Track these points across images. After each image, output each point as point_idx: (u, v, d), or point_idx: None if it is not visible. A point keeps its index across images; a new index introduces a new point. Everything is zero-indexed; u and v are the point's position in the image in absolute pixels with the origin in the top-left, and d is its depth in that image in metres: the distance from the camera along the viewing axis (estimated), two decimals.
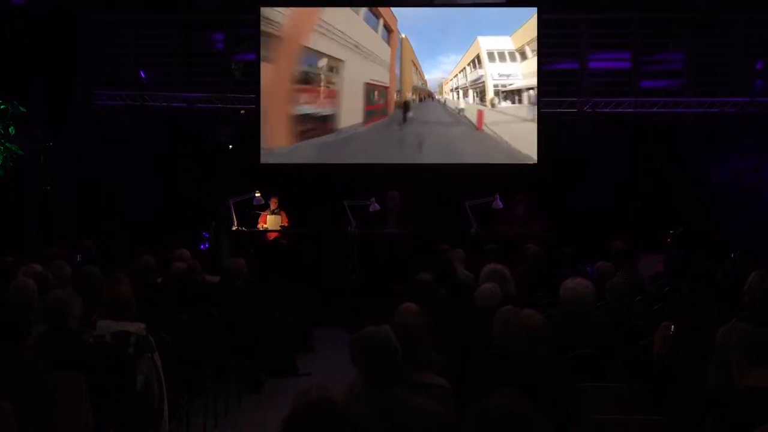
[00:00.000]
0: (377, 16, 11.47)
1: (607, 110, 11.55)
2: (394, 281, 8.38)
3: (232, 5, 11.89)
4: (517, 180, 10.73)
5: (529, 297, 6.27)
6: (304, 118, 11.36)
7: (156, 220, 10.88)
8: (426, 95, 11.52)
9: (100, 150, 11.44)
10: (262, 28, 11.31)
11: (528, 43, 11.37)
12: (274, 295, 7.93)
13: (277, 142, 11.39)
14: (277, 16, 11.37)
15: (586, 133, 11.45)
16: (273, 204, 10.74)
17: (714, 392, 3.44)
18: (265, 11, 11.33)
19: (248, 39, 11.80)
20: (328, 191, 10.79)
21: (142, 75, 11.99)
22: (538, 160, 11.11)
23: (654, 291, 6.99)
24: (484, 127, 11.39)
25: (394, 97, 11.50)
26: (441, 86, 11.53)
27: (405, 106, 11.48)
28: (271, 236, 10.72)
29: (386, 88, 11.48)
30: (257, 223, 10.73)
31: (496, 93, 11.42)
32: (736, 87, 11.61)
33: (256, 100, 11.37)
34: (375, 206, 10.21)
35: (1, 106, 9.76)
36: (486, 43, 11.47)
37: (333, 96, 11.42)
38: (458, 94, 11.56)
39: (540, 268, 7.68)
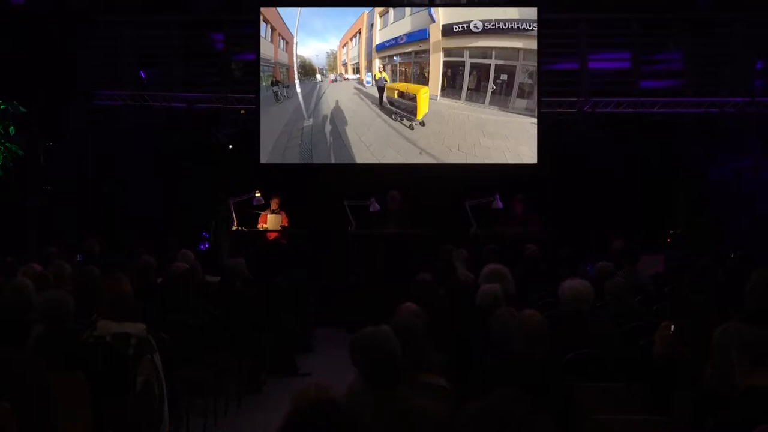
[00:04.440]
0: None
1: (607, 110, 11.56)
2: (394, 281, 8.37)
3: (232, 5, 11.90)
4: (517, 180, 10.72)
5: (529, 297, 6.27)
6: None
7: (156, 220, 10.88)
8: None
9: (100, 150, 11.45)
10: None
11: None
12: (274, 295, 7.93)
13: None
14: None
15: (586, 133, 11.45)
16: (274, 204, 10.73)
17: (714, 392, 3.44)
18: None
19: (248, 39, 11.80)
20: (328, 191, 10.80)
21: (142, 75, 11.99)
22: (538, 160, 11.10)
23: (654, 291, 6.99)
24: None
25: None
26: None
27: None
28: (271, 236, 10.71)
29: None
30: (257, 223, 10.73)
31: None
32: (736, 87, 11.61)
33: (256, 100, 11.37)
34: (375, 206, 10.20)
35: (1, 106, 9.76)
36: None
37: None
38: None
39: (539, 268, 7.69)
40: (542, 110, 11.24)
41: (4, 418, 3.47)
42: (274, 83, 11.45)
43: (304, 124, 11.45)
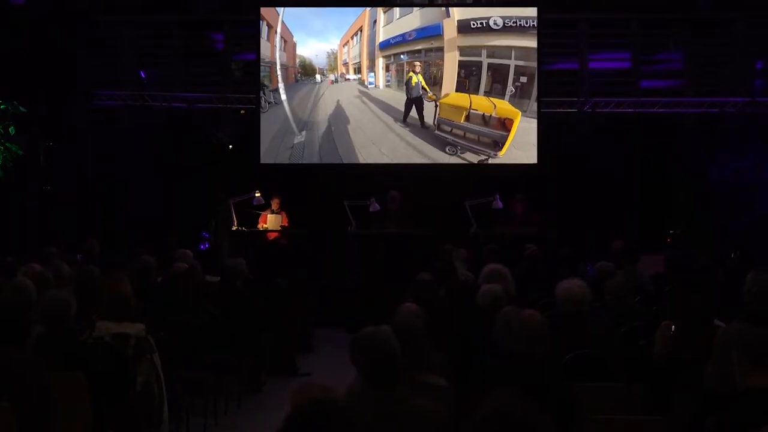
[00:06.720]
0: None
1: (607, 110, 11.55)
2: (394, 281, 8.37)
3: (232, 5, 11.89)
4: (517, 180, 10.72)
5: (529, 297, 6.27)
6: None
7: (156, 220, 10.89)
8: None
9: (100, 150, 11.46)
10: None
11: None
12: (274, 295, 7.93)
13: None
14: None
15: (586, 133, 11.45)
16: (274, 204, 10.73)
17: (714, 392, 3.44)
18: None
19: (248, 39, 11.80)
20: (328, 191, 10.79)
21: (142, 75, 11.99)
22: (538, 160, 11.09)
23: (654, 291, 6.98)
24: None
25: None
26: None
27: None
28: (271, 236, 10.71)
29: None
30: (257, 223, 10.73)
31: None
32: (736, 87, 11.61)
33: (256, 100, 11.37)
34: (375, 206, 10.20)
35: (1, 106, 9.77)
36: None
37: None
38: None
39: (539, 268, 7.69)
40: (542, 110, 11.24)
41: (4, 418, 3.47)
42: (260, 87, 11.20)
43: (295, 141, 10.88)
